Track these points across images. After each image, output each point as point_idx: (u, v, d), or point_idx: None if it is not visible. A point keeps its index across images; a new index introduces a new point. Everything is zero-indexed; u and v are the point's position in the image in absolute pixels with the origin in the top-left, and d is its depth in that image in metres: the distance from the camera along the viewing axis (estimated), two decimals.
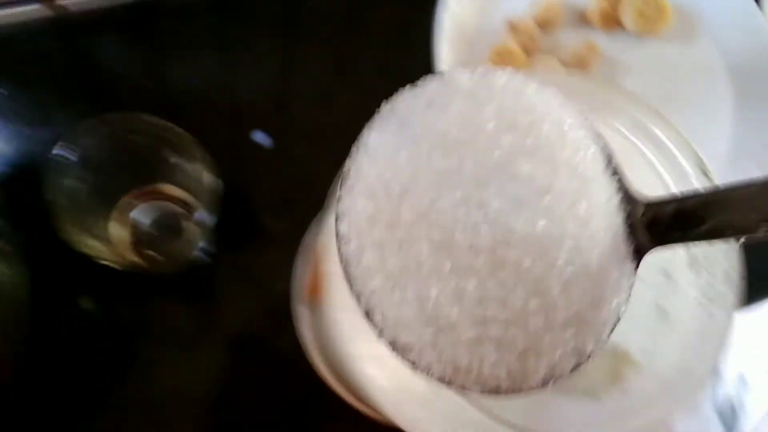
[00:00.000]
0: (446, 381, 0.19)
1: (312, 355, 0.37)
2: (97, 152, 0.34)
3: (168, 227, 0.37)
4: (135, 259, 0.36)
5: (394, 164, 0.19)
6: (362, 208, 0.19)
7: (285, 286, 0.38)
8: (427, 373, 0.19)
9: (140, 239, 0.37)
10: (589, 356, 0.19)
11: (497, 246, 0.17)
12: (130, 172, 0.36)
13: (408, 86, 0.20)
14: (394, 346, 0.19)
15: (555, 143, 0.19)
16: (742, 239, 0.19)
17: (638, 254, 0.20)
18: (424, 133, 0.19)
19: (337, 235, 0.19)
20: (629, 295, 0.20)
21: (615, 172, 0.20)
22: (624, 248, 0.19)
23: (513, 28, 0.43)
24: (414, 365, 0.19)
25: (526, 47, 0.43)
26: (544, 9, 0.45)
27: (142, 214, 0.37)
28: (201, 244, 0.35)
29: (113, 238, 0.36)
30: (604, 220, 0.19)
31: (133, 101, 0.42)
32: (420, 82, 0.20)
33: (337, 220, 0.19)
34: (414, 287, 0.18)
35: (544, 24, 0.45)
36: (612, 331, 0.20)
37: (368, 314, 0.19)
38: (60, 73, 0.44)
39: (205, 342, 0.40)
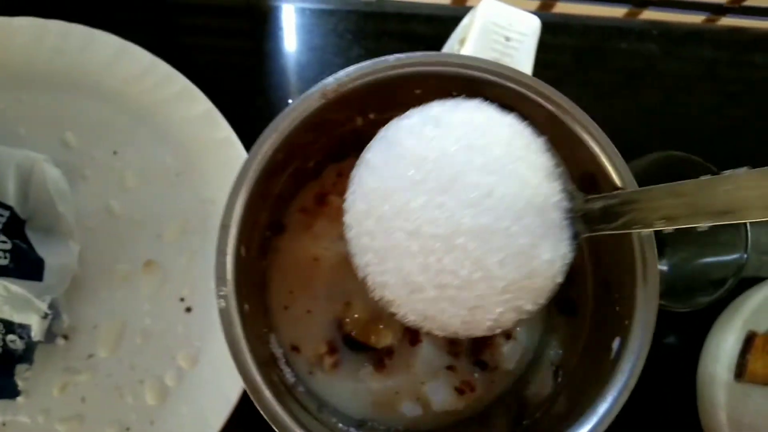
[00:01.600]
0: (418, 326, 0.28)
1: None
2: None
3: None
4: None
5: (381, 176, 0.28)
6: (360, 207, 0.29)
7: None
8: (404, 320, 0.29)
9: None
10: (529, 313, 0.28)
11: (450, 234, 0.27)
12: None
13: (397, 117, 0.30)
14: (381, 301, 0.29)
15: (502, 158, 0.27)
16: (647, 230, 0.26)
17: (575, 238, 0.28)
18: (403, 153, 0.28)
19: (344, 224, 0.29)
20: (568, 267, 0.28)
21: (560, 177, 0.28)
22: (559, 234, 0.28)
23: None
24: (395, 314, 0.29)
25: None
26: None
27: None
28: None
29: None
30: (539, 215, 0.28)
31: None
32: (406, 114, 0.29)
33: (344, 214, 0.29)
34: (393, 262, 0.28)
35: None
36: (551, 295, 0.28)
37: (364, 279, 0.29)
38: None
39: None
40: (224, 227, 0.30)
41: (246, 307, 0.31)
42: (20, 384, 0.44)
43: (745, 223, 0.37)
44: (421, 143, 0.28)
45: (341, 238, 0.38)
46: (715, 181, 0.23)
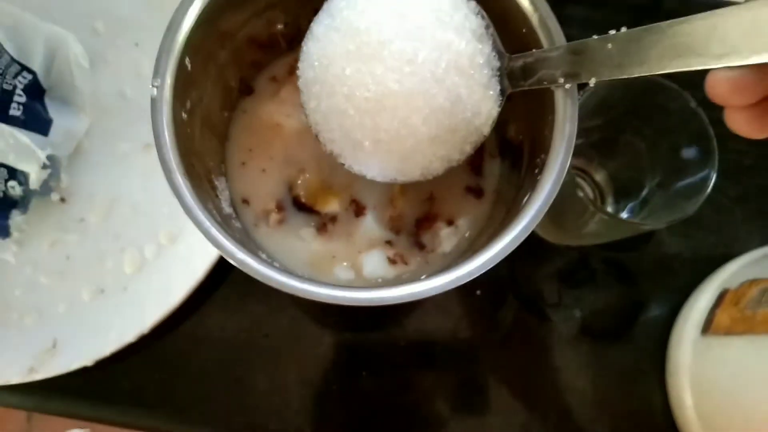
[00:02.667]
0: (362, 174, 0.33)
1: (683, 408, 0.45)
2: None
3: None
4: None
5: (323, 46, 0.32)
6: (308, 74, 0.33)
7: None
8: (350, 169, 0.33)
9: None
10: (457, 161, 0.32)
11: (379, 97, 0.31)
12: None
13: None
14: (332, 155, 0.34)
15: (429, 25, 0.30)
16: (557, 84, 0.30)
17: (502, 95, 0.32)
18: (341, 25, 0.32)
19: (300, 89, 0.33)
20: (494, 121, 0.32)
21: (490, 38, 0.32)
22: (484, 92, 0.31)
23: None
24: (343, 165, 0.33)
25: None
26: None
27: None
28: None
29: None
30: (461, 76, 0.31)
31: None
32: None
33: (298, 79, 0.33)
34: (336, 120, 0.32)
35: None
36: (477, 145, 0.32)
37: (317, 136, 0.34)
38: None
39: None
40: (170, 29, 0.33)
41: (183, 115, 0.33)
42: (16, 234, 0.50)
43: (714, 145, 0.37)
44: (355, 15, 0.31)
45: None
46: (602, 41, 0.27)
